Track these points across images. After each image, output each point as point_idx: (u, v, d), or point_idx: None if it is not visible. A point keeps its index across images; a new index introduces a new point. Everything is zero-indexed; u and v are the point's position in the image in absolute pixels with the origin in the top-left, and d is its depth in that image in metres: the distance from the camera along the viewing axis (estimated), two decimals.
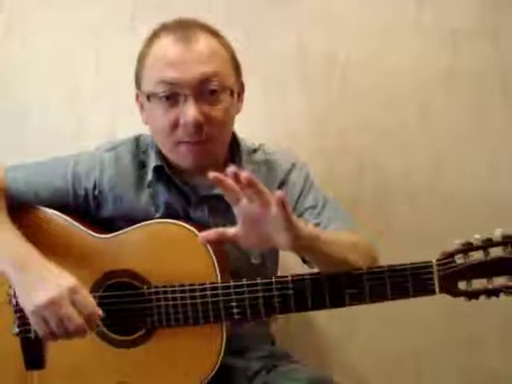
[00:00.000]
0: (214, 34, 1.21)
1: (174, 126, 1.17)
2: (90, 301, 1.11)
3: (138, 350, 1.19)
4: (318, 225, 1.25)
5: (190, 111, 1.14)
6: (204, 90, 1.16)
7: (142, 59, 1.22)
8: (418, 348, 1.66)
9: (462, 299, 1.10)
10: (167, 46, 1.17)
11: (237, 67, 1.24)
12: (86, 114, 1.66)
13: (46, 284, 1.09)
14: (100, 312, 1.12)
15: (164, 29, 1.21)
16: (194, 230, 1.18)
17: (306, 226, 1.03)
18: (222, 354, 1.15)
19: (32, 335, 1.21)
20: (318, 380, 1.24)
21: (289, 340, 1.51)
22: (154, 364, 1.18)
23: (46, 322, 1.10)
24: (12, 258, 1.13)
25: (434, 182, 1.67)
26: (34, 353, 1.22)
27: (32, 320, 1.11)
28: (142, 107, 1.25)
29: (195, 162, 1.21)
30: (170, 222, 1.20)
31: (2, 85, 1.67)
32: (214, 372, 1.15)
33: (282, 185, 1.30)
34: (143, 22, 1.64)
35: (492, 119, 1.66)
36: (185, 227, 1.18)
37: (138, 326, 1.19)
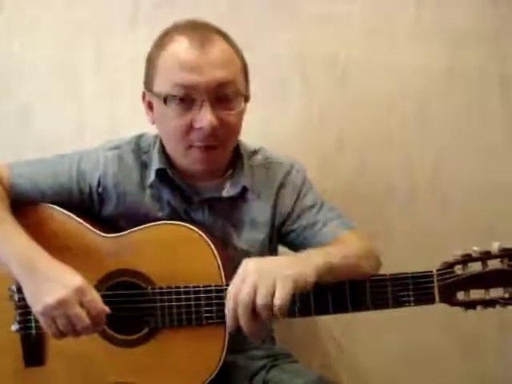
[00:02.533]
0: (227, 38, 1.20)
1: (188, 129, 1.16)
2: (97, 300, 1.12)
3: (139, 350, 1.19)
4: (316, 223, 1.27)
5: (207, 116, 1.14)
6: (220, 95, 1.16)
7: (154, 59, 1.19)
8: (418, 352, 1.67)
9: None
10: (183, 48, 1.15)
11: (247, 73, 1.24)
12: (86, 114, 1.66)
13: (54, 285, 1.09)
14: (107, 309, 1.13)
15: (177, 29, 1.19)
16: (201, 232, 1.18)
17: (316, 259, 1.06)
18: (224, 356, 1.16)
19: (33, 332, 1.21)
20: (317, 380, 1.24)
21: (289, 340, 1.51)
22: (156, 364, 1.18)
23: (55, 322, 1.10)
24: (20, 259, 1.13)
25: (433, 180, 1.67)
26: (33, 349, 1.22)
27: (41, 320, 1.11)
28: (149, 107, 1.24)
29: (206, 167, 1.22)
30: (177, 224, 1.21)
31: (2, 85, 1.66)
32: (215, 373, 1.16)
33: (281, 186, 1.31)
34: (143, 22, 1.65)
35: (491, 119, 1.67)
36: (191, 229, 1.19)
37: (141, 325, 1.19)
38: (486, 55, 1.65)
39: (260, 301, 0.99)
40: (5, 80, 1.66)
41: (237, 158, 1.30)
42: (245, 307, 1.00)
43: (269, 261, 1.07)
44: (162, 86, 1.17)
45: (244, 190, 1.27)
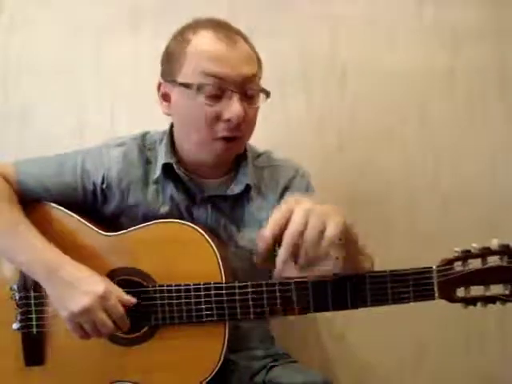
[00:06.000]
0: (247, 38, 1.23)
1: (216, 119, 1.18)
2: (119, 305, 1.14)
3: (140, 348, 1.19)
4: None
5: (236, 108, 1.16)
6: (246, 89, 1.18)
7: (178, 51, 1.20)
8: (419, 349, 1.67)
9: None
10: (212, 41, 1.17)
11: (261, 70, 1.26)
12: (86, 114, 1.66)
13: (77, 291, 1.13)
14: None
15: (200, 25, 1.21)
16: (201, 230, 1.19)
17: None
18: (223, 354, 1.16)
19: (33, 330, 1.22)
20: (316, 380, 1.24)
21: (289, 340, 1.51)
22: (156, 362, 1.18)
23: (81, 327, 1.14)
24: (41, 266, 1.15)
25: (433, 181, 1.67)
26: (34, 349, 1.23)
27: (67, 324, 1.15)
28: (164, 98, 1.24)
29: (223, 159, 1.24)
30: (177, 222, 1.21)
31: (2, 85, 1.67)
32: (215, 371, 1.16)
33: (285, 190, 1.31)
34: (143, 22, 1.65)
35: (491, 119, 1.67)
36: (191, 227, 1.19)
37: (142, 323, 1.19)
38: (486, 55, 1.65)
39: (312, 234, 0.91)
40: (5, 80, 1.67)
41: (242, 158, 1.30)
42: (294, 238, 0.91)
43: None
44: (191, 75, 1.18)
45: (247, 188, 1.27)
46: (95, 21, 1.65)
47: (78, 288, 1.13)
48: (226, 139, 1.20)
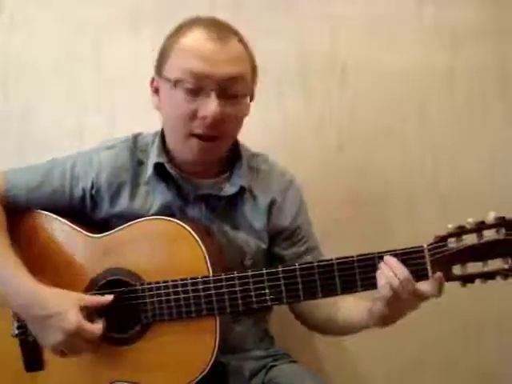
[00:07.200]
0: (241, 39, 1.23)
1: (192, 116, 1.18)
2: (93, 329, 1.15)
3: (134, 347, 1.19)
4: (301, 255, 1.31)
5: (211, 106, 1.16)
6: (227, 89, 1.18)
7: (168, 46, 1.22)
8: (418, 352, 1.67)
9: (460, 291, 1.09)
10: (200, 39, 1.18)
11: (255, 75, 1.26)
12: (85, 114, 1.66)
13: (51, 329, 1.14)
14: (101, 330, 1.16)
15: (196, 22, 1.22)
16: (186, 225, 1.18)
17: None
18: (216, 350, 1.15)
19: (30, 337, 1.22)
20: (316, 381, 1.24)
21: (288, 340, 1.51)
22: (150, 360, 1.18)
23: (63, 353, 1.17)
24: (20, 300, 1.18)
25: (432, 181, 1.67)
26: (32, 355, 1.24)
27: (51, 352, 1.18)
28: (155, 92, 1.26)
29: (201, 157, 1.23)
30: (162, 219, 1.21)
31: (3, 84, 1.67)
32: (209, 367, 1.14)
33: (277, 201, 1.31)
34: (144, 22, 1.65)
35: (491, 119, 1.66)
36: (176, 223, 1.19)
37: (134, 322, 1.19)
38: (486, 55, 1.65)
39: None
40: (5, 80, 1.67)
41: (236, 158, 1.30)
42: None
43: None
44: (173, 71, 1.19)
45: (242, 189, 1.27)
46: (95, 21, 1.65)
47: (50, 325, 1.14)
48: (199, 137, 1.20)
